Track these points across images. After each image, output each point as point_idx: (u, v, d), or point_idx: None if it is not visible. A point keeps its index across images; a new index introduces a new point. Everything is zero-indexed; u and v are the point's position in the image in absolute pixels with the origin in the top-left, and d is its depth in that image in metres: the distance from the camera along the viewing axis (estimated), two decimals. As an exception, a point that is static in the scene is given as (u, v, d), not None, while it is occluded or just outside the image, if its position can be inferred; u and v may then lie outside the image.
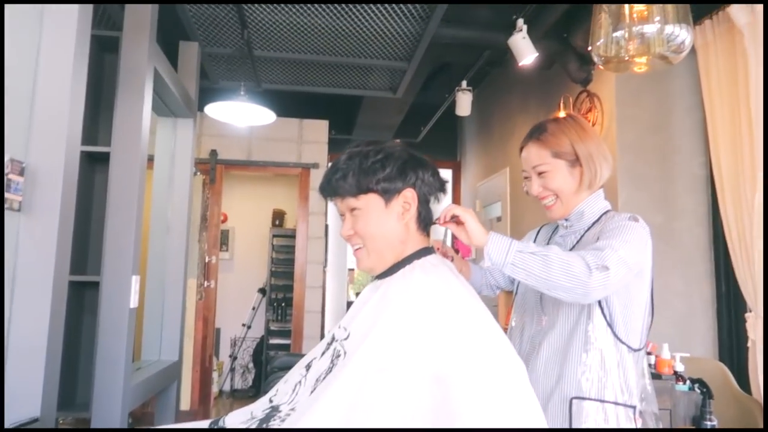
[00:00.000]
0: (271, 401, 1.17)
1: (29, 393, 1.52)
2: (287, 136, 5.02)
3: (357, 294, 5.19)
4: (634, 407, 1.28)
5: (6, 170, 1.48)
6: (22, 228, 1.57)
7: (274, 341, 5.73)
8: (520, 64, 3.16)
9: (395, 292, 1.09)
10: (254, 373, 5.86)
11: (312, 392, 1.04)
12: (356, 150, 1.16)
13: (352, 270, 8.05)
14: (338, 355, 1.08)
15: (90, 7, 1.80)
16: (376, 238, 1.14)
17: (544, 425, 0.98)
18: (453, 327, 1.02)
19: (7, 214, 1.54)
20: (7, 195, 1.49)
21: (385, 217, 1.14)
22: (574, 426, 1.26)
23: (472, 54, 4.16)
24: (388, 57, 3.77)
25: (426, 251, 1.19)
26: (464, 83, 4.19)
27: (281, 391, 1.16)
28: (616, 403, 1.27)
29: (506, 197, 4.61)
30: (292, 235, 5.56)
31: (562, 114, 3.30)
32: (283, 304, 5.82)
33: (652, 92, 3.24)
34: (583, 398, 1.28)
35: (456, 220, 1.25)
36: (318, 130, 5.11)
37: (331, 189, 1.16)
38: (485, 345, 1.01)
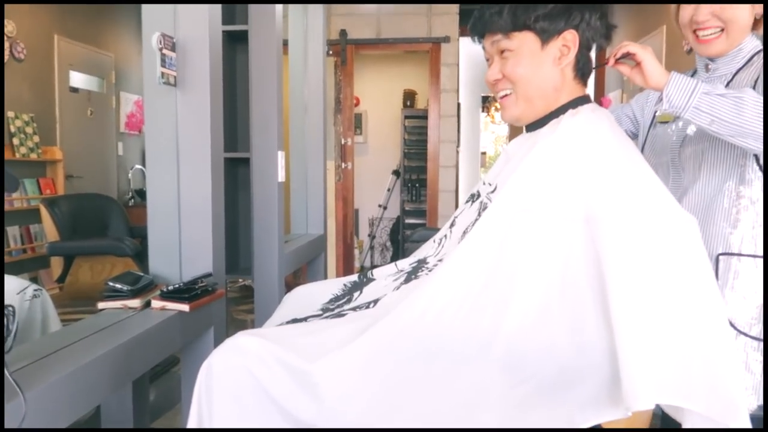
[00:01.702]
0: (416, 257, 1.19)
1: (201, 252, 1.69)
2: (416, 10, 4.79)
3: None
4: None
5: (159, 45, 1.55)
6: (180, 102, 1.67)
7: (409, 221, 5.90)
8: None
9: (544, 140, 1.01)
10: (392, 251, 6.14)
11: (459, 243, 1.03)
12: None
13: (484, 153, 7.89)
14: (485, 208, 1.05)
15: None
16: (528, 83, 1.04)
17: (710, 272, 0.88)
18: (605, 168, 0.93)
19: (164, 88, 1.64)
20: (163, 70, 1.57)
21: (539, 60, 1.03)
22: (721, 283, 1.17)
23: None
24: None
25: (582, 100, 1.07)
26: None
27: (426, 247, 1.17)
28: None
29: (662, 61, 4.11)
30: (423, 116, 5.50)
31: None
32: (417, 185, 5.90)
33: None
34: (732, 254, 1.17)
35: (632, 58, 1.10)
36: None
37: (481, 25, 1.05)
38: (640, 187, 0.92)
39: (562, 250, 0.90)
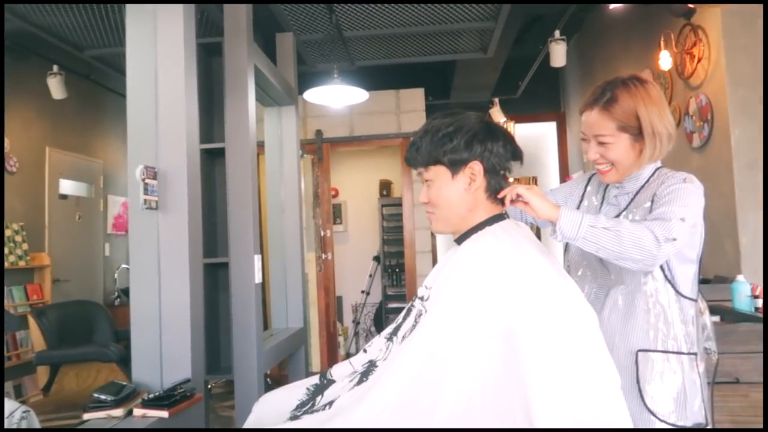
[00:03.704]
0: (366, 352, 1.34)
1: (181, 359, 1.83)
2: (386, 109, 5.17)
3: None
4: (696, 354, 1.33)
5: (142, 176, 1.77)
6: (161, 223, 1.87)
7: (392, 305, 6.02)
8: (610, 7, 3.04)
9: (465, 256, 1.20)
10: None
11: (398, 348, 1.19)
12: (432, 123, 1.25)
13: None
14: (420, 314, 1.22)
15: (193, 17, 2.03)
16: (444, 207, 1.24)
17: (615, 375, 1.06)
18: (519, 285, 1.10)
19: (147, 213, 1.84)
20: (145, 197, 1.78)
21: (452, 188, 1.23)
22: (641, 377, 1.32)
23: (562, 3, 4.01)
24: (474, 19, 3.76)
25: (498, 218, 1.26)
26: (557, 33, 4.06)
27: (375, 345, 1.33)
28: (680, 353, 1.32)
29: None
30: (399, 204, 5.76)
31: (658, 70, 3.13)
32: (397, 270, 6.07)
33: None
34: (649, 350, 1.33)
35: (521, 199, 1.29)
36: (414, 99, 5.21)
37: (408, 160, 1.29)
38: (552, 301, 1.08)
39: (482, 363, 1.06)
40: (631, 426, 1.03)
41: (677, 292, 1.34)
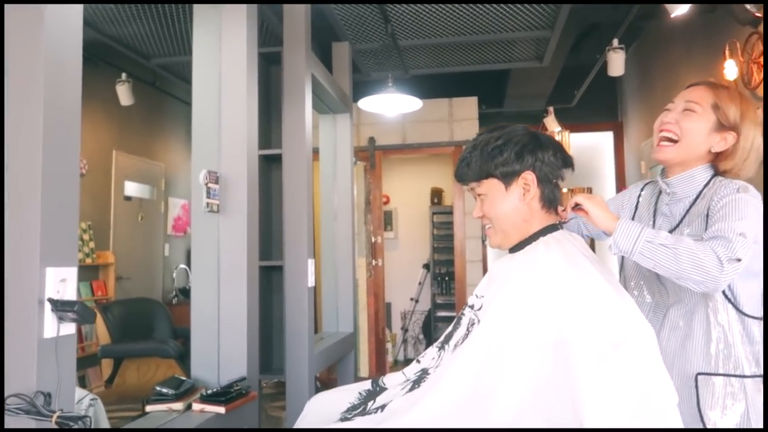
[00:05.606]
0: (419, 362, 1.36)
1: (237, 358, 1.89)
2: (438, 117, 5.18)
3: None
4: (761, 376, 1.26)
5: (205, 180, 1.85)
6: (221, 226, 1.94)
7: (440, 314, 6.00)
8: (672, 15, 2.96)
9: (518, 267, 1.20)
10: (425, 344, 6.20)
11: (451, 357, 1.21)
12: (480, 137, 1.28)
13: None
14: (473, 323, 1.23)
15: (255, 28, 2.11)
16: (500, 219, 1.25)
17: (672, 393, 1.03)
18: (570, 295, 1.09)
19: (209, 216, 1.92)
20: (207, 200, 1.86)
21: (507, 200, 1.24)
22: (702, 402, 1.26)
23: (620, 11, 3.93)
24: (530, 27, 3.73)
25: (551, 228, 1.26)
26: (615, 42, 3.98)
27: (428, 355, 1.34)
28: (743, 376, 1.26)
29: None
30: (450, 212, 5.75)
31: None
32: (446, 278, 6.05)
33: (842, 24, 2.82)
34: (710, 374, 1.27)
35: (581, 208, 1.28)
36: (467, 107, 5.20)
37: (459, 176, 1.30)
38: (602, 310, 1.07)
39: (533, 372, 1.06)
40: None
41: (739, 311, 1.28)
